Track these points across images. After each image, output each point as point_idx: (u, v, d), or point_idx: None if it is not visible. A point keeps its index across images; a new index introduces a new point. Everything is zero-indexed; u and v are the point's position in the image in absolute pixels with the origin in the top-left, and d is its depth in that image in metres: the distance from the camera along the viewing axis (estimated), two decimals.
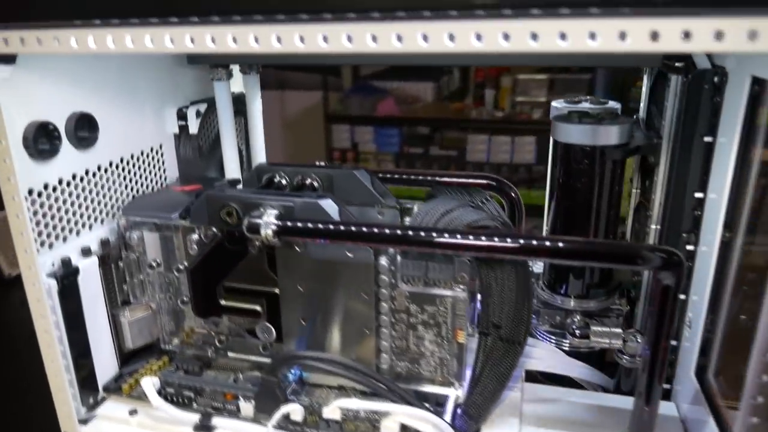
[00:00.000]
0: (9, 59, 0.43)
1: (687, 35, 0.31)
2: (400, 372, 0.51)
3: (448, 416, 0.49)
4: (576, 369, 0.56)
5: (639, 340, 0.52)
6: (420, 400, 0.49)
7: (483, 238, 0.42)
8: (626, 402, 0.53)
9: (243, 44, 0.38)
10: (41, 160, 0.47)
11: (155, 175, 0.62)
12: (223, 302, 0.53)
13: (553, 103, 0.61)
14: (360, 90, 2.43)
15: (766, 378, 0.38)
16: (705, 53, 0.47)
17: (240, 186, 0.60)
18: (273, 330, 0.53)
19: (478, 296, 0.48)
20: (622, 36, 0.32)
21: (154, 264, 0.54)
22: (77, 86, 0.51)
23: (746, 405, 0.39)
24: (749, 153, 0.44)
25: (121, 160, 0.57)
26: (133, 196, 0.58)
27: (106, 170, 0.55)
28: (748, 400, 0.39)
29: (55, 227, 0.49)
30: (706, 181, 0.49)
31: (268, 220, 0.45)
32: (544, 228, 0.61)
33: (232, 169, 0.66)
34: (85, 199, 0.52)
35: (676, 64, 0.50)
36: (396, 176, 0.59)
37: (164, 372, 0.55)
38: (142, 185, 0.60)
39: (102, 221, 0.55)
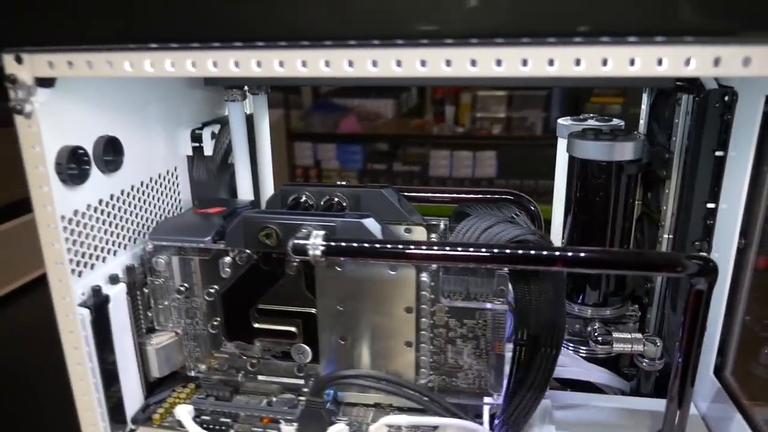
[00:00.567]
0: (49, 83, 0.41)
1: (688, 62, 0.34)
2: (439, 385, 0.52)
3: (487, 426, 0.50)
4: (598, 374, 0.58)
5: (658, 344, 0.55)
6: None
7: (532, 252, 0.44)
8: (649, 404, 0.56)
9: (267, 68, 0.38)
10: (72, 185, 0.46)
11: (172, 198, 0.60)
12: (256, 325, 0.53)
13: (560, 121, 0.64)
14: (321, 107, 2.44)
15: None
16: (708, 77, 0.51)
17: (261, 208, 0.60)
18: (309, 351, 0.52)
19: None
20: (632, 62, 0.35)
21: (182, 289, 0.53)
22: (103, 110, 0.50)
23: None
24: (763, 165, 0.47)
25: (141, 184, 0.55)
26: (154, 221, 0.57)
27: (128, 194, 0.53)
28: None
29: (83, 255, 0.48)
30: (718, 192, 0.52)
31: (316, 241, 0.45)
32: (559, 239, 0.63)
33: (245, 190, 0.65)
34: (110, 224, 0.51)
35: (682, 84, 0.53)
36: (419, 194, 0.60)
37: (194, 399, 0.54)
38: (160, 209, 0.58)
39: (125, 247, 0.53)
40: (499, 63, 0.35)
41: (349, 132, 2.42)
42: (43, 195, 0.43)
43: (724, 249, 0.51)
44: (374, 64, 0.37)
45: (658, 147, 0.59)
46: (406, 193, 0.59)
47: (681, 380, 0.47)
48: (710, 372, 0.53)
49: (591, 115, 0.64)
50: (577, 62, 0.35)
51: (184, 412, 0.50)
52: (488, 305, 0.49)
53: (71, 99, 0.45)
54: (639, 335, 0.56)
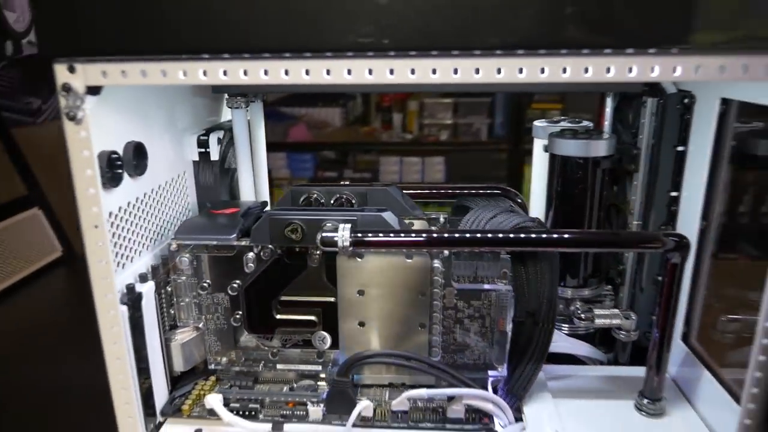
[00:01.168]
0: (96, 91, 0.44)
1: (653, 69, 0.41)
2: (448, 362, 0.57)
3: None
4: (583, 348, 0.65)
5: (633, 317, 0.63)
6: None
7: (534, 235, 0.50)
8: (627, 371, 0.64)
9: (274, 77, 0.43)
10: (109, 188, 0.48)
11: (183, 200, 0.63)
12: (278, 316, 0.57)
13: (536, 123, 0.71)
14: (270, 116, 2.45)
15: (765, 341, 0.47)
16: (669, 81, 0.59)
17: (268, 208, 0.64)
18: (329, 337, 0.57)
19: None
20: (608, 70, 0.41)
21: (206, 285, 0.56)
22: (130, 117, 0.52)
23: (753, 362, 0.48)
24: (719, 157, 0.56)
25: (159, 187, 0.58)
26: (170, 223, 0.60)
27: (149, 197, 0.56)
28: (755, 357, 0.48)
29: (116, 255, 0.50)
30: (680, 183, 0.61)
31: (345, 234, 0.50)
32: None
33: (247, 192, 0.69)
34: (137, 225, 0.54)
35: (647, 89, 0.61)
36: (419, 191, 0.65)
37: (219, 389, 0.57)
38: (175, 211, 0.61)
39: (148, 248, 0.56)
40: (499, 71, 0.41)
41: (298, 140, 2.45)
42: (89, 197, 0.45)
43: (688, 231, 0.59)
44: (328, 72, 0.42)
45: (625, 145, 0.67)
46: (406, 191, 0.64)
47: (659, 344, 0.55)
48: (679, 339, 0.61)
49: (563, 117, 0.71)
50: (564, 70, 0.41)
51: (215, 400, 0.53)
52: (493, 287, 0.55)
53: (108, 106, 0.48)
54: (617, 310, 0.63)
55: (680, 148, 0.60)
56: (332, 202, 0.60)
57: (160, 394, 0.56)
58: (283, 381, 0.59)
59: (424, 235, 0.51)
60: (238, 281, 0.56)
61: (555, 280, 0.54)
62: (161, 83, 0.43)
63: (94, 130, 0.45)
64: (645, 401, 0.57)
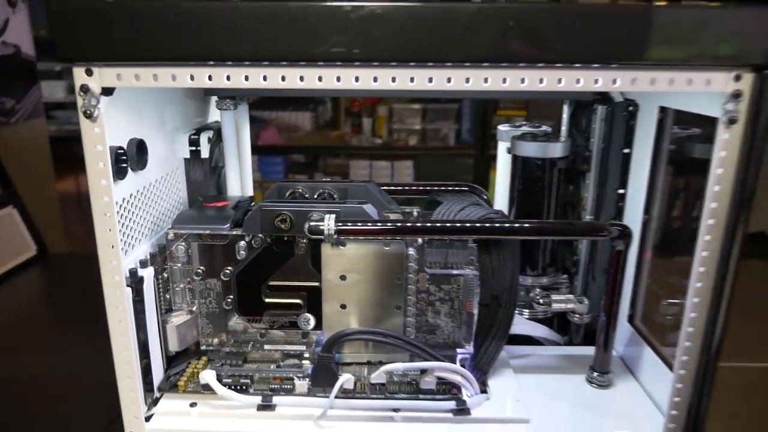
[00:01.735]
0: (110, 92, 0.49)
1: (596, 81, 0.48)
2: (421, 341, 0.63)
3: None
4: (541, 330, 0.72)
5: (586, 302, 0.70)
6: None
7: (498, 224, 0.57)
8: (580, 350, 0.71)
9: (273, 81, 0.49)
10: (117, 180, 0.53)
11: (175, 195, 0.68)
12: (267, 299, 0.62)
13: (500, 127, 0.78)
14: None
15: (693, 315, 0.55)
16: (615, 91, 0.67)
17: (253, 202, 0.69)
18: (313, 319, 0.62)
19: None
20: (559, 81, 0.49)
21: (200, 271, 0.61)
22: (132, 115, 0.57)
23: (683, 333, 0.56)
24: (659, 159, 0.63)
25: (155, 181, 0.63)
26: (165, 215, 0.65)
27: (147, 190, 0.61)
28: (685, 328, 0.56)
29: (122, 241, 0.55)
30: (626, 181, 0.68)
31: (330, 223, 0.56)
32: None
33: (234, 187, 0.74)
34: (137, 216, 0.58)
35: (597, 98, 0.69)
36: (393, 188, 0.72)
37: (211, 367, 0.62)
38: (169, 204, 0.66)
39: (146, 236, 0.60)
40: (486, 80, 0.48)
41: (269, 143, 2.49)
42: (101, 188, 0.50)
43: (632, 223, 0.67)
44: (301, 78, 0.48)
45: (579, 147, 0.74)
46: (384, 187, 0.70)
47: (606, 323, 0.62)
48: (625, 321, 0.69)
49: (525, 122, 0.79)
50: (523, 80, 0.48)
51: (210, 376, 0.58)
52: (462, 272, 0.61)
53: (117, 106, 0.53)
54: (571, 296, 0.70)
55: (626, 151, 0.67)
56: (316, 196, 0.66)
57: (157, 371, 0.60)
58: (269, 360, 0.64)
59: (400, 224, 0.57)
60: (230, 268, 0.61)
61: (516, 267, 0.61)
62: (170, 86, 0.48)
63: (105, 127, 0.50)
64: (594, 374, 0.64)
